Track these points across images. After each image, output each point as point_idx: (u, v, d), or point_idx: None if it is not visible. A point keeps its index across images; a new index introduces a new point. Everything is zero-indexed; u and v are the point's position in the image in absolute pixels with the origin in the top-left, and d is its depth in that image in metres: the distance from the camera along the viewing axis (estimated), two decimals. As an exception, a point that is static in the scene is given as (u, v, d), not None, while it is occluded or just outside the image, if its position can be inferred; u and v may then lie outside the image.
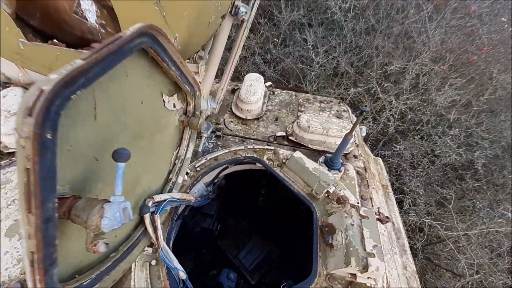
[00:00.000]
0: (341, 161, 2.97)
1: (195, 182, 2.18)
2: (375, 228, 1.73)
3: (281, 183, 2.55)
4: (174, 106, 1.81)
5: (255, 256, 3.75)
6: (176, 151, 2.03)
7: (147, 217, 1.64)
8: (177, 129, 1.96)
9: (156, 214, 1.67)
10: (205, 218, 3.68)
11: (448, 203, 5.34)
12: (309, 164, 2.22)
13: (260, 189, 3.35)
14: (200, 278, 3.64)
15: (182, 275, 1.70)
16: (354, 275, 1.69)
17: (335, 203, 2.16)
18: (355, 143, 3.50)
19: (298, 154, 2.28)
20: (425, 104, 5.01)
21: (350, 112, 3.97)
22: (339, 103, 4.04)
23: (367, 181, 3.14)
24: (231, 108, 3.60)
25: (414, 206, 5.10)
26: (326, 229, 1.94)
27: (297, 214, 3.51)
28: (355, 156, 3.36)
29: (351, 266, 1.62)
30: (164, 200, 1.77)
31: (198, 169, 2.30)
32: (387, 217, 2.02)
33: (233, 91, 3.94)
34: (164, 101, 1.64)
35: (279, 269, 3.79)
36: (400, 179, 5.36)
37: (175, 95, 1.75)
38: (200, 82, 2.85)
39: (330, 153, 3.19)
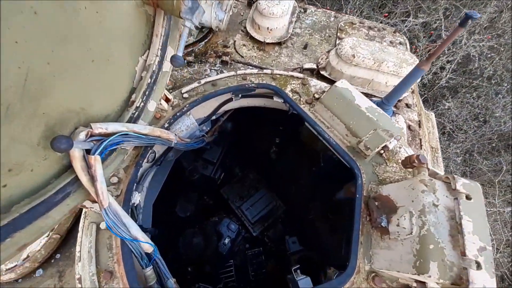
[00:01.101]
0: (392, 108, 2.00)
1: (179, 114, 1.35)
2: (483, 218, 0.90)
3: (306, 130, 1.69)
4: None
5: (260, 209, 3.23)
6: (144, 55, 1.14)
7: (77, 158, 0.88)
8: (140, 11, 1.02)
9: (94, 154, 0.90)
10: (206, 165, 3.03)
11: (480, 175, 4.40)
12: (361, 100, 1.29)
13: (275, 136, 2.52)
14: (200, 222, 3.25)
15: (148, 248, 1.04)
16: (422, 284, 0.95)
17: (396, 165, 1.31)
18: (411, 88, 2.44)
19: (343, 83, 1.33)
20: (501, 49, 3.57)
21: (408, 46, 2.75)
22: (394, 32, 2.79)
23: (420, 139, 2.20)
24: (245, 27, 2.49)
25: (445, 175, 4.20)
26: (377, 203, 1.15)
27: (315, 172, 2.76)
28: (408, 106, 2.34)
29: (429, 275, 0.86)
30: (114, 133, 0.98)
31: (185, 96, 1.44)
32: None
33: (250, 4, 2.74)
34: None
35: (284, 225, 3.29)
36: (436, 143, 4.33)
37: None
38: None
39: (376, 97, 2.20)
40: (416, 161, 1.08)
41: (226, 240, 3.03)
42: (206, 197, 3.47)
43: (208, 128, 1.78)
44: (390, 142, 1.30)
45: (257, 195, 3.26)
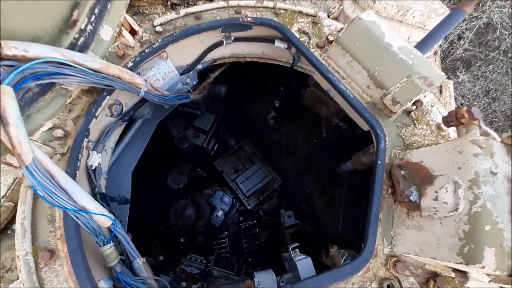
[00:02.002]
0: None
1: (149, 51, 0.99)
2: None
3: (311, 92, 1.37)
4: None
5: (255, 183, 3.02)
6: (87, -49, 0.75)
7: (-30, 87, 0.55)
8: None
9: (1, 83, 0.57)
10: (198, 133, 2.72)
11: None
12: (393, 38, 0.94)
13: (274, 99, 2.18)
14: (193, 194, 3.06)
15: (104, 221, 0.77)
16: (462, 274, 0.71)
17: (426, 127, 1.01)
18: (434, 49, 2.06)
19: (370, 15, 0.96)
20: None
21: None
22: (418, -19, 2.31)
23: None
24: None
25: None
26: (403, 172, 0.87)
27: (315, 143, 2.47)
28: (428, 68, 1.97)
29: (482, 265, 0.61)
30: (34, 60, 0.64)
31: (159, 29, 1.06)
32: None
33: None
34: None
35: (280, 199, 3.12)
36: (441, 120, 4.03)
37: None
38: None
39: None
40: (466, 116, 0.77)
41: (219, 213, 2.86)
42: (199, 169, 3.23)
43: (194, 83, 1.43)
44: (425, 96, 0.98)
45: (252, 168, 3.03)
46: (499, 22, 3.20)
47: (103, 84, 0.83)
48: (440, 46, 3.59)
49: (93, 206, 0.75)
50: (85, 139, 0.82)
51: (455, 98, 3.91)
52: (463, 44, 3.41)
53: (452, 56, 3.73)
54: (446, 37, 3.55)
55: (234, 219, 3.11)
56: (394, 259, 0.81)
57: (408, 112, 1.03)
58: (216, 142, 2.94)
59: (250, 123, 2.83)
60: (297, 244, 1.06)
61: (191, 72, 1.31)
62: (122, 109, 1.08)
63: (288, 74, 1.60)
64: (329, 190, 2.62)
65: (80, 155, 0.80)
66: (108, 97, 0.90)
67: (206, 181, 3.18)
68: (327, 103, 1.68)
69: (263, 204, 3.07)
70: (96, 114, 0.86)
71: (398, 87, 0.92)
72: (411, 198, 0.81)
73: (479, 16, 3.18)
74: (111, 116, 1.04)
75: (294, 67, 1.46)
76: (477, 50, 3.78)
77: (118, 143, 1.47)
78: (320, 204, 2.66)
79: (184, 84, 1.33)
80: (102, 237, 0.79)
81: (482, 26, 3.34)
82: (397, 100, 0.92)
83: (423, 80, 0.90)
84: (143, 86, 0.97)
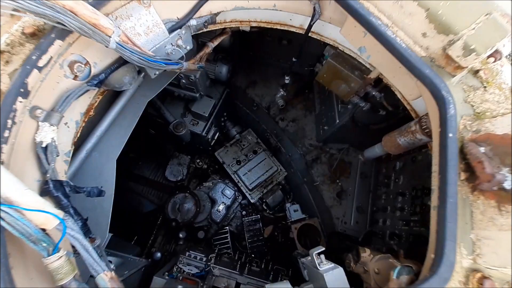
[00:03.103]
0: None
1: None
2: None
3: (328, 64, 1.10)
4: None
5: (258, 175, 2.77)
6: None
7: None
8: None
9: None
10: (197, 120, 2.43)
11: None
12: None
13: (284, 74, 1.87)
14: (193, 187, 2.84)
15: (45, 221, 0.49)
16: None
17: (500, 91, 0.73)
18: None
19: None
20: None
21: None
22: None
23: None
24: None
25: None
26: (485, 150, 0.59)
27: (325, 130, 2.19)
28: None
29: None
30: None
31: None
32: None
33: None
34: None
35: (285, 192, 2.88)
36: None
37: None
38: None
39: None
40: None
41: (220, 207, 2.62)
42: (199, 160, 2.98)
43: (189, 48, 1.13)
44: (504, 45, 0.69)
45: (256, 159, 2.77)
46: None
47: (47, 18, 0.54)
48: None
49: (26, 198, 0.47)
50: (21, 99, 0.54)
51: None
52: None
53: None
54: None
55: (236, 213, 2.88)
56: (479, 275, 0.53)
57: (475, 72, 0.75)
58: (217, 131, 2.66)
59: (254, 109, 2.54)
60: (323, 249, 0.79)
61: (183, 32, 1.02)
62: (90, 70, 0.79)
63: (301, 47, 1.30)
64: (340, 181, 2.40)
65: (10, 122, 0.52)
66: (59, 41, 0.61)
67: (206, 173, 2.94)
68: (347, 78, 1.38)
69: (267, 197, 2.82)
70: (40, 65, 0.57)
71: (473, 28, 0.63)
72: (505, 185, 0.53)
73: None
74: (74, 78, 0.75)
75: (310, 33, 1.17)
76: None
77: (97, 123, 1.20)
78: (329, 197, 2.44)
79: (175, 47, 1.04)
80: (45, 244, 0.52)
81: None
82: (472, 47, 0.63)
83: (507, 19, 0.61)
84: (112, 33, 0.68)
